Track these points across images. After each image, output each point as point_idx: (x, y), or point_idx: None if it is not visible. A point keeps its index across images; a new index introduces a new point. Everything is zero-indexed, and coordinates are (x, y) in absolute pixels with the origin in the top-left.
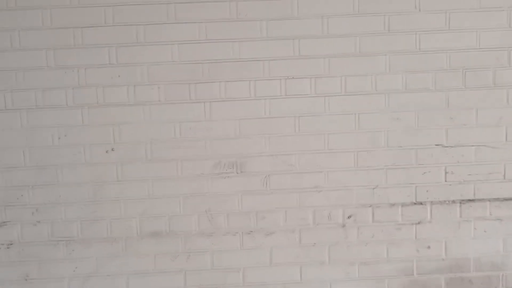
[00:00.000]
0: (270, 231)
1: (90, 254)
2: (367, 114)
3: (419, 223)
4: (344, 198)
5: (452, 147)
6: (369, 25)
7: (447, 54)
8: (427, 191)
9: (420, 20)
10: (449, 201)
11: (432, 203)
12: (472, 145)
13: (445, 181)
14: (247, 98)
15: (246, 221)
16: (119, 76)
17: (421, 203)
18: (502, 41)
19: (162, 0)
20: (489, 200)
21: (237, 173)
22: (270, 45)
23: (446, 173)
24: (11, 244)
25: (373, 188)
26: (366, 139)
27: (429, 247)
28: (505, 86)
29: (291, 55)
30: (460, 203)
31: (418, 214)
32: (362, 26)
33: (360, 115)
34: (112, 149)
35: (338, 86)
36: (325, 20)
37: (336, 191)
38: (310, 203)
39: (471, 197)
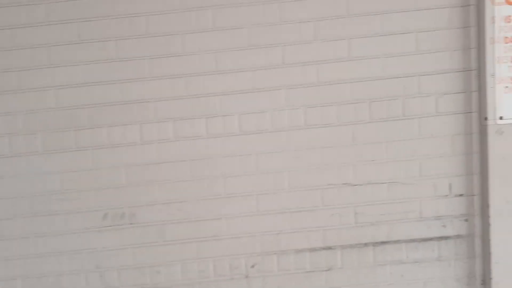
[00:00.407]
0: (166, 286)
1: None
2: (267, 154)
3: (329, 269)
4: (246, 246)
5: (361, 185)
6: (264, 57)
7: (350, 84)
8: (336, 234)
9: (318, 49)
10: (361, 244)
11: (342, 247)
12: (383, 182)
13: (355, 222)
14: (135, 143)
15: (140, 276)
16: None
17: (330, 248)
18: (410, 67)
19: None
20: (405, 241)
21: (129, 224)
22: (158, 85)
23: (356, 214)
24: None
25: (277, 234)
26: (267, 181)
27: None
28: (416, 116)
29: (181, 95)
30: (373, 246)
31: (327, 260)
32: (258, 59)
33: (259, 155)
34: None
35: (234, 125)
36: (216, 55)
37: (237, 238)
38: (210, 254)
39: (385, 239)
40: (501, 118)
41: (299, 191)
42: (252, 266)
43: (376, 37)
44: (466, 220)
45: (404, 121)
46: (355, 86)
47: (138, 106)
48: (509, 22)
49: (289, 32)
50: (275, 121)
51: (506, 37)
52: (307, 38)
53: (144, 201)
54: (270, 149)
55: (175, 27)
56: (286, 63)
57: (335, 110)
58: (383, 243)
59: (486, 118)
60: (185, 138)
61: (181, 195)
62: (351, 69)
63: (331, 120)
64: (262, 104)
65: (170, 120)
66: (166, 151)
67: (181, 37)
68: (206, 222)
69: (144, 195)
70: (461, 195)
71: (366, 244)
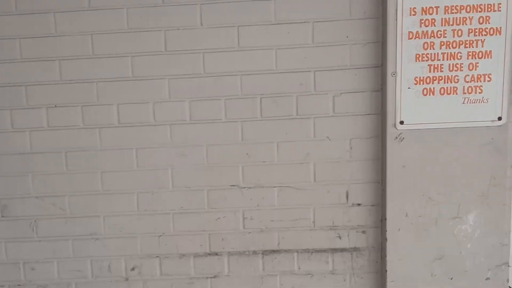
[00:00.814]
0: (42, 284)
1: None
2: (148, 149)
3: (215, 276)
4: (126, 247)
5: (250, 188)
6: (143, 44)
7: (239, 78)
8: (222, 239)
9: (205, 37)
10: (249, 252)
11: (229, 253)
12: (274, 186)
13: (244, 228)
14: (5, 130)
15: (14, 272)
16: None
17: (216, 254)
18: (305, 61)
19: None
20: (297, 251)
21: (0, 216)
22: (27, 67)
23: (244, 218)
24: None
25: (159, 236)
26: (148, 178)
27: None
28: (311, 116)
29: (55, 79)
30: (263, 254)
31: (213, 267)
32: (135, 44)
33: (139, 150)
34: None
35: (111, 115)
36: (91, 38)
37: (117, 238)
38: (87, 253)
39: (275, 248)
40: (401, 123)
41: (183, 191)
42: (133, 269)
43: (268, 25)
44: (363, 232)
45: (298, 121)
46: (245, 80)
47: (10, 90)
48: (414, 15)
49: (172, 16)
50: (157, 113)
51: (411, 32)
52: (192, 23)
53: (15, 194)
54: (151, 144)
55: (45, 6)
56: (169, 50)
57: (223, 105)
58: (273, 251)
59: (386, 122)
60: (59, 128)
61: (56, 189)
62: (240, 60)
63: (218, 115)
64: (143, 95)
65: (43, 107)
66: (39, 140)
67: (53, 15)
68: (83, 219)
69: (15, 187)
70: (359, 204)
71: (255, 252)
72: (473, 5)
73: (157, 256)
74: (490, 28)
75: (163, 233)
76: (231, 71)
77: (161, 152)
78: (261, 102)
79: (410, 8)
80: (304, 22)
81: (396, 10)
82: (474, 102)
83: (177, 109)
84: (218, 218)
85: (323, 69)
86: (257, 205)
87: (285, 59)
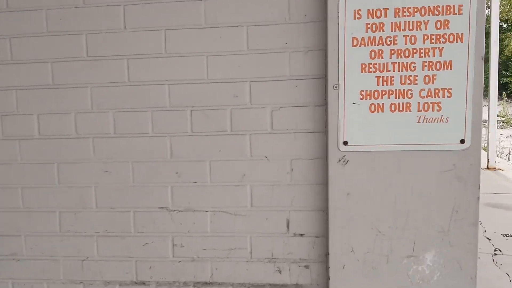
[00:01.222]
0: None
1: None
2: (70, 164)
3: None
4: (48, 270)
5: (180, 211)
6: (63, 48)
7: (167, 87)
8: (150, 267)
9: (129, 41)
10: (179, 283)
11: (157, 284)
12: (207, 210)
13: (173, 256)
14: None
15: None
16: None
17: (143, 283)
18: (240, 70)
19: None
20: (232, 285)
21: None
22: None
23: (174, 245)
24: None
25: (83, 260)
26: (71, 196)
27: None
28: (247, 132)
29: None
30: (194, 286)
31: None
32: (56, 49)
33: (60, 165)
34: None
35: (32, 127)
36: (9, 41)
37: (38, 260)
38: (8, 274)
39: (208, 280)
40: (345, 143)
41: (108, 212)
42: None
43: (198, 29)
44: (306, 266)
45: (232, 137)
46: (174, 89)
47: None
48: (359, 18)
49: (94, 17)
50: (79, 125)
51: (355, 38)
52: (115, 26)
53: None
54: (74, 158)
55: None
56: (90, 55)
57: (150, 117)
58: (205, 284)
59: (328, 142)
60: None
61: None
62: (168, 67)
63: (144, 129)
64: (65, 104)
65: None
66: None
67: None
68: (3, 238)
69: None
70: (301, 234)
71: (186, 284)
72: (429, 7)
73: (81, 282)
74: (450, 34)
75: (87, 257)
76: (158, 80)
77: (84, 168)
78: (191, 115)
79: (355, 10)
80: (238, 26)
81: (338, 12)
82: (432, 121)
83: (100, 121)
84: (146, 243)
85: (259, 80)
86: (188, 231)
87: (218, 67)
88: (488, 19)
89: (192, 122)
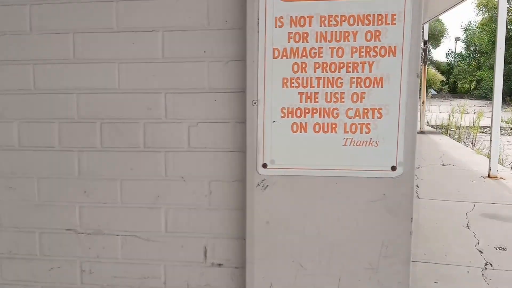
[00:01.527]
0: None
1: None
2: None
3: None
4: None
5: (89, 234)
6: None
7: (75, 96)
8: None
9: (34, 45)
10: None
11: None
12: (118, 234)
13: (81, 283)
14: None
15: None
16: None
17: None
18: (155, 80)
19: None
20: None
21: None
22: None
23: (82, 271)
24: None
25: None
26: None
27: None
28: (162, 149)
29: None
30: None
31: None
32: None
33: None
34: None
35: None
36: None
37: None
38: None
39: None
40: (265, 166)
41: (12, 232)
42: None
43: (110, 33)
44: None
45: (146, 154)
46: (83, 99)
47: None
48: (280, 26)
49: None
50: None
51: (276, 49)
52: (20, 27)
53: None
54: None
55: None
56: None
57: (57, 129)
58: None
59: (246, 164)
60: None
61: None
62: (77, 75)
63: (51, 141)
64: None
65: None
66: None
67: None
68: None
69: None
70: (220, 265)
71: None
72: (358, 16)
73: None
74: (381, 47)
75: None
76: (65, 88)
77: None
78: (101, 128)
79: (276, 17)
80: (152, 30)
81: (258, 19)
82: (360, 145)
83: (4, 132)
84: (52, 268)
85: (176, 91)
86: (97, 256)
87: (130, 76)
88: (494, 21)
89: (102, 136)
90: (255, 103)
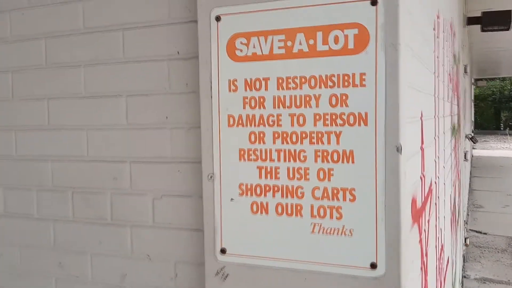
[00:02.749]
0: None
1: None
2: None
3: None
4: None
5: None
6: None
7: (49, 164)
8: None
9: (14, 111)
10: None
11: None
12: None
13: None
14: None
15: None
16: None
17: None
18: (120, 148)
19: None
20: None
21: None
22: None
23: None
24: None
25: None
26: None
27: None
28: (128, 223)
29: None
30: None
31: None
32: None
33: None
34: None
35: None
36: None
37: None
38: None
39: None
40: (223, 251)
41: None
42: None
43: (78, 98)
44: None
45: (113, 228)
46: (56, 167)
47: None
48: (235, 90)
49: None
50: None
51: (231, 116)
52: (2, 95)
53: None
54: None
55: None
56: None
57: (35, 197)
58: None
59: (204, 248)
60: None
61: None
62: (50, 142)
63: (29, 209)
64: None
65: None
66: None
67: None
68: None
69: None
70: None
71: None
72: (320, 77)
73: None
74: (349, 114)
75: None
76: (41, 155)
77: None
78: (72, 197)
79: (229, 80)
80: (117, 95)
81: (211, 82)
82: (330, 233)
83: None
84: None
85: (140, 160)
86: None
87: (97, 143)
88: None
89: (73, 206)
90: (210, 177)
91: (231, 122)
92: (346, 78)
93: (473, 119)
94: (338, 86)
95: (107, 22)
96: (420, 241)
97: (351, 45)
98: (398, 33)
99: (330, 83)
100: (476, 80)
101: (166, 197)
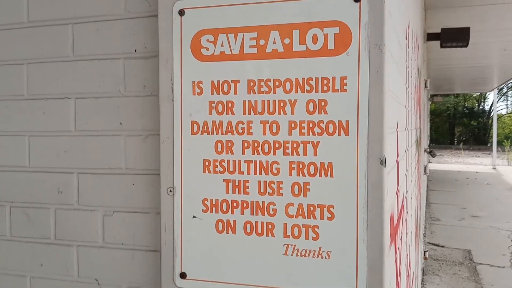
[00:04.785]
0: None
1: None
2: None
3: None
4: None
5: None
6: None
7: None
8: None
9: None
10: None
11: None
12: None
13: None
14: None
15: None
16: None
17: None
18: (68, 158)
19: None
20: None
21: None
22: None
23: None
24: None
25: None
26: None
27: None
28: (74, 243)
29: None
30: None
31: None
32: None
33: None
34: None
35: None
36: None
37: None
38: None
39: None
40: (183, 276)
41: None
42: None
43: (20, 100)
44: None
45: (57, 248)
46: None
47: None
48: (200, 93)
49: None
50: None
51: (195, 123)
52: None
53: None
54: None
55: None
56: None
57: None
58: None
59: (160, 272)
60: None
61: None
62: None
63: None
64: None
65: None
66: None
67: None
68: None
69: None
70: None
71: None
72: (297, 80)
73: None
74: (329, 122)
75: None
76: None
77: None
78: (10, 213)
79: (194, 82)
80: (64, 97)
81: (173, 84)
82: (306, 255)
83: None
84: None
85: (89, 172)
86: None
87: (41, 151)
88: None
89: (11, 223)
90: (170, 191)
91: (195, 129)
92: (325, 82)
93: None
94: (316, 91)
95: (55, 15)
96: (396, 260)
97: (331, 46)
98: (384, 33)
99: (307, 88)
100: (432, 96)
101: (119, 214)
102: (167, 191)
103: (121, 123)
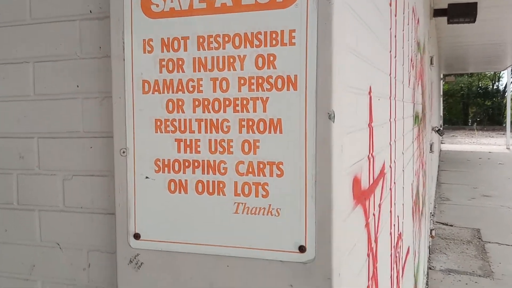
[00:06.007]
0: None
1: None
2: None
3: None
4: None
5: None
6: None
7: None
8: None
9: None
10: None
11: None
12: None
13: None
14: None
15: None
16: None
17: None
18: (28, 122)
19: None
20: None
21: None
22: None
23: None
24: None
25: None
26: None
27: None
28: (36, 207)
29: None
30: None
31: None
32: None
33: None
34: None
35: None
36: None
37: None
38: None
39: None
40: (137, 236)
41: None
42: None
43: None
44: None
45: (20, 213)
46: None
47: None
48: (150, 51)
49: None
50: None
51: (146, 82)
52: None
53: None
54: None
55: None
56: None
57: None
58: None
59: (116, 235)
60: None
61: None
62: None
63: None
64: None
65: None
66: None
67: None
68: None
69: None
70: None
71: None
72: (246, 34)
73: None
74: (277, 78)
75: None
76: None
77: None
78: None
79: (144, 40)
80: (23, 62)
81: (123, 43)
82: (255, 213)
83: None
84: None
85: (49, 136)
86: None
87: (2, 117)
88: None
89: None
90: (123, 152)
91: (146, 89)
92: (273, 35)
93: (441, 114)
94: (265, 45)
95: None
96: (367, 225)
97: None
98: None
99: (256, 42)
100: (445, 75)
101: (78, 177)
102: (120, 152)
103: (77, 86)
